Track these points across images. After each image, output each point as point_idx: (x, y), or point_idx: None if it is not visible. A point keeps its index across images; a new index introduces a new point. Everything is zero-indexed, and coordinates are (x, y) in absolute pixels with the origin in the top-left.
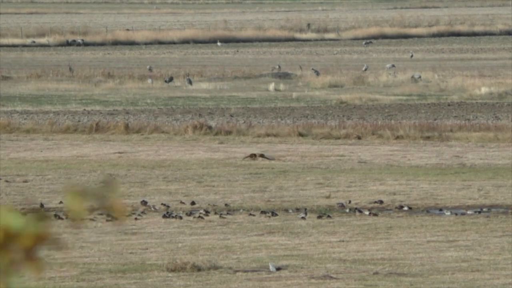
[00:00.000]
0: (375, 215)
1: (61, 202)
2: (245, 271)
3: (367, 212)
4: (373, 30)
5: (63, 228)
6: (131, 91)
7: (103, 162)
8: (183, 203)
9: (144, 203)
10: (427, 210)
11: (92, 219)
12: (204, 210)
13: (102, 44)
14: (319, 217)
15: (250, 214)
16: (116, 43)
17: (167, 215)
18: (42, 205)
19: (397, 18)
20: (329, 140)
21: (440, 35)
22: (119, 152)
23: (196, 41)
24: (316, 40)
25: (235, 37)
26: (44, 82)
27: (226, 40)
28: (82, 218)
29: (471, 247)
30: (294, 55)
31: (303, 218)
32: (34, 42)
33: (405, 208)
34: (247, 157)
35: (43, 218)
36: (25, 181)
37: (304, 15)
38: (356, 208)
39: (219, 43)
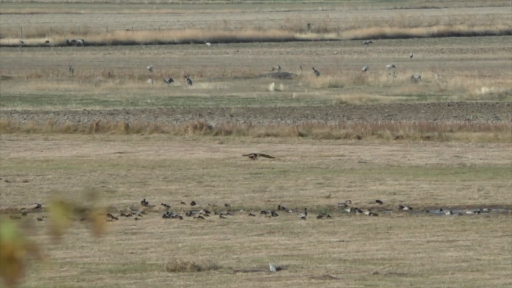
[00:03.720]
0: (375, 215)
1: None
2: (245, 271)
3: (367, 212)
4: (373, 30)
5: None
6: (131, 91)
7: (103, 162)
8: (183, 203)
9: (144, 203)
10: (427, 210)
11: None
12: (204, 210)
13: (102, 44)
14: (319, 217)
15: (250, 214)
16: (116, 43)
17: (167, 215)
18: (39, 206)
19: (397, 18)
20: (329, 140)
21: (440, 35)
22: (119, 152)
23: (196, 41)
24: (316, 40)
25: (235, 37)
26: (44, 82)
27: (226, 40)
28: (63, 231)
29: (471, 247)
30: (294, 55)
31: (303, 218)
32: (22, 42)
33: (405, 208)
34: (247, 155)
35: (29, 226)
36: (25, 181)
37: (304, 15)
38: (356, 208)
39: (208, 43)
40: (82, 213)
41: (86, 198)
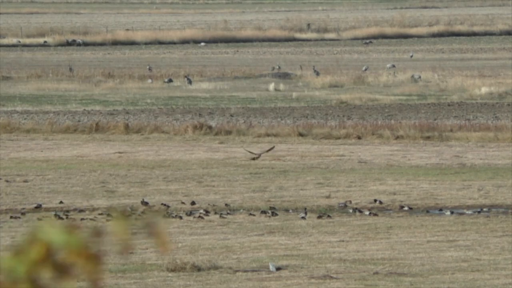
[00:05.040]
0: (375, 215)
1: (61, 202)
2: (245, 271)
3: (367, 212)
4: (373, 30)
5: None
6: (131, 91)
7: (103, 162)
8: (183, 203)
9: (144, 203)
10: (427, 210)
11: (92, 219)
12: (204, 210)
13: (102, 44)
14: (319, 217)
15: (250, 214)
16: (116, 43)
17: (167, 215)
18: (39, 206)
19: (397, 18)
20: (329, 140)
21: (440, 35)
22: (119, 152)
23: (196, 41)
24: (316, 40)
25: (235, 37)
26: (44, 82)
27: (226, 40)
28: (129, 245)
29: (471, 247)
30: (294, 55)
31: (303, 218)
32: (19, 42)
33: (405, 208)
34: (249, 151)
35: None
36: (25, 181)
37: (304, 15)
38: (356, 208)
39: (202, 43)
40: (145, 229)
41: (149, 214)
